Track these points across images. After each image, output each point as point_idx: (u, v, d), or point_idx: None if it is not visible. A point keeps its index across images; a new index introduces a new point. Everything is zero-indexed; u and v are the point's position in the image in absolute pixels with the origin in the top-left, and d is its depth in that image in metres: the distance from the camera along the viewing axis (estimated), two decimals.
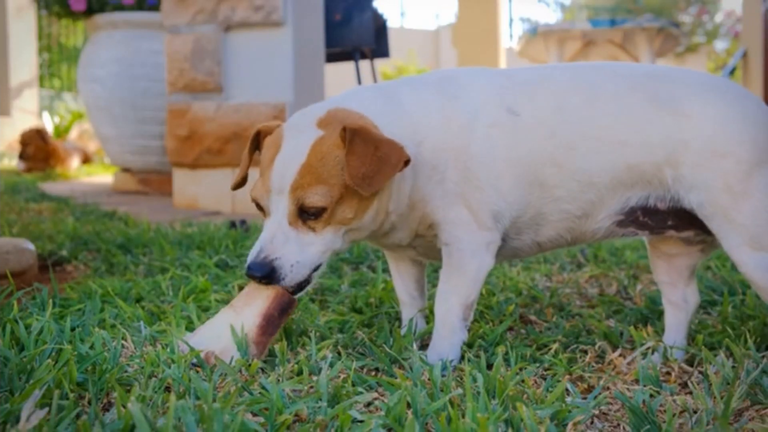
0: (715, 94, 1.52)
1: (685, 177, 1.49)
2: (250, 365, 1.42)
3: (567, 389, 1.37)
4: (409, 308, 1.80)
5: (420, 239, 1.64)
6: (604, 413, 1.31)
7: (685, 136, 1.49)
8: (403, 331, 1.72)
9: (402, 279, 1.80)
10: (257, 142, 1.64)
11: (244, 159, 1.64)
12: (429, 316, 1.85)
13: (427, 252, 1.68)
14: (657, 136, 1.50)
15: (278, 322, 1.52)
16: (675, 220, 1.56)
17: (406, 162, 1.46)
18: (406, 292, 1.80)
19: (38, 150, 7.68)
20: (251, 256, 1.47)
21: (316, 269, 1.51)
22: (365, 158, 1.41)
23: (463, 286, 1.58)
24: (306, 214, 1.46)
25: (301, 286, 1.51)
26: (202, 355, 1.47)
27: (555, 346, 1.65)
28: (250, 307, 1.53)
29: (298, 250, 1.47)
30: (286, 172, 1.46)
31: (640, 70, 1.61)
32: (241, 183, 1.67)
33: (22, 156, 7.69)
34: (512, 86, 1.59)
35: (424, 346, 1.68)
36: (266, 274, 1.45)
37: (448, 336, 1.58)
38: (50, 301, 1.81)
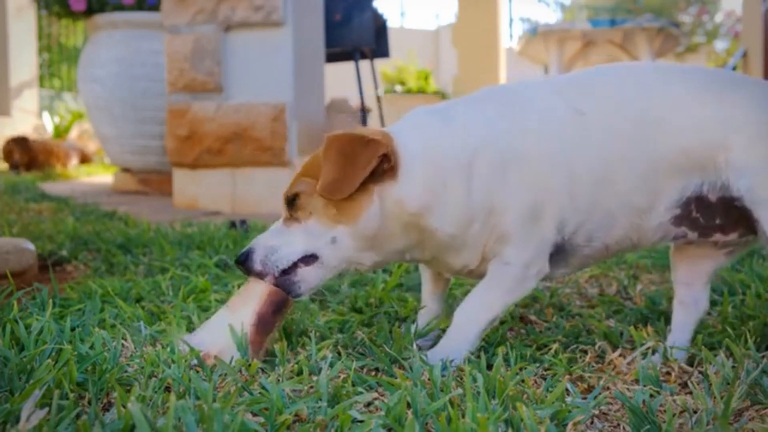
0: (756, 83, 1.61)
1: (736, 161, 1.52)
2: (250, 365, 1.42)
3: (567, 389, 1.37)
4: (429, 312, 1.81)
5: (485, 263, 1.62)
6: (604, 413, 1.31)
7: (735, 119, 1.53)
8: (418, 327, 1.75)
9: (434, 288, 1.81)
10: None
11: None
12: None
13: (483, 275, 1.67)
14: (709, 120, 1.54)
15: (272, 321, 1.52)
16: (723, 218, 1.58)
17: (385, 157, 1.47)
18: (432, 299, 1.81)
19: (23, 155, 7.77)
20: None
21: (307, 261, 1.52)
22: (336, 164, 1.47)
23: (498, 306, 1.59)
24: (290, 207, 1.55)
25: (289, 282, 1.52)
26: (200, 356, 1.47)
27: (555, 346, 1.64)
28: (245, 307, 1.52)
29: (274, 237, 1.55)
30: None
31: (678, 65, 1.68)
32: None
33: (15, 166, 7.79)
34: (569, 87, 1.62)
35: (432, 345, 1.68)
36: (241, 259, 1.54)
37: (460, 344, 1.58)
38: (50, 301, 1.81)
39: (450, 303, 1.92)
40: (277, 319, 1.53)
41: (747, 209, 1.52)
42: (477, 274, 1.65)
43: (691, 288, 1.71)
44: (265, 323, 1.51)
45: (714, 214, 1.58)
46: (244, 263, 1.54)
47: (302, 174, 1.56)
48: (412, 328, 1.72)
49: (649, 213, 1.58)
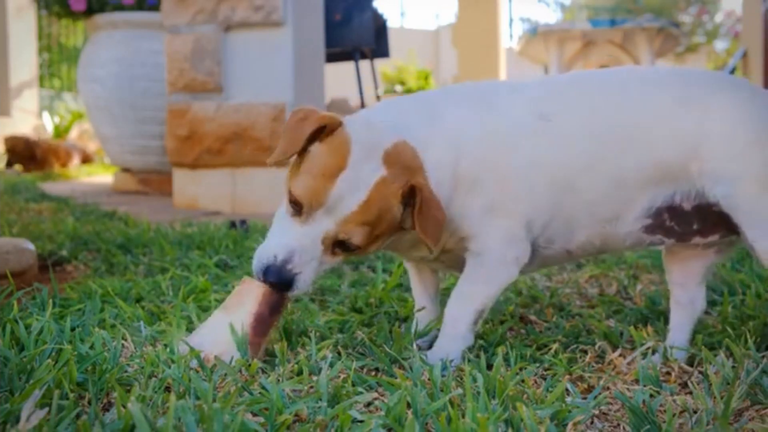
0: (738, 88, 1.56)
1: (712, 170, 1.50)
2: (249, 365, 1.42)
3: (567, 389, 1.38)
4: (425, 313, 1.81)
5: (447, 254, 1.64)
6: (604, 413, 1.31)
7: (713, 129, 1.50)
8: (419, 327, 1.75)
9: (424, 286, 1.81)
10: (317, 133, 1.48)
11: (296, 141, 1.47)
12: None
13: (452, 264, 1.68)
14: (685, 131, 1.52)
15: (269, 322, 1.51)
16: (700, 223, 1.56)
17: None
18: (426, 298, 1.82)
19: (26, 151, 7.80)
20: (271, 259, 1.45)
21: None
22: (433, 221, 1.44)
23: (484, 296, 1.59)
24: (342, 247, 1.46)
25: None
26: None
27: (555, 346, 1.65)
28: (241, 308, 1.52)
29: (315, 270, 1.47)
30: (345, 200, 1.42)
31: (662, 71, 1.65)
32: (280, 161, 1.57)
33: (10, 163, 7.80)
34: (544, 94, 1.61)
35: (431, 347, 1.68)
36: (285, 285, 1.45)
37: (454, 341, 1.59)
38: (50, 301, 1.81)
39: (445, 302, 1.92)
40: (274, 319, 1.52)
41: (726, 214, 1.51)
42: (440, 260, 1.67)
43: (685, 288, 1.71)
44: (262, 324, 1.51)
45: (690, 221, 1.56)
46: (284, 288, 1.46)
47: (366, 223, 1.43)
48: (412, 328, 1.73)
49: (615, 223, 1.57)
